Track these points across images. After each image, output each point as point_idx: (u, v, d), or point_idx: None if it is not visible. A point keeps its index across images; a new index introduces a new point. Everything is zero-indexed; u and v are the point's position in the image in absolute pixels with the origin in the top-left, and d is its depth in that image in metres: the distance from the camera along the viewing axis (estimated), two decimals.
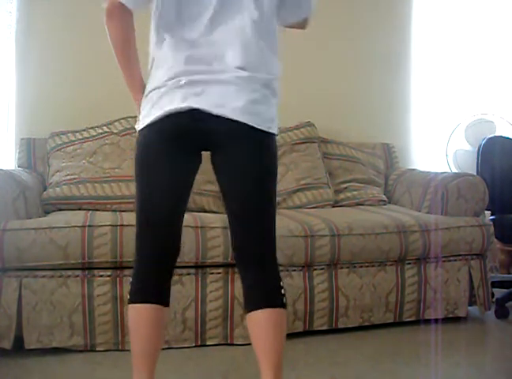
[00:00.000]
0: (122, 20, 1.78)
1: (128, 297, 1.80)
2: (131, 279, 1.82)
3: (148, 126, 1.71)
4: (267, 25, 1.73)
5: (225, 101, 1.67)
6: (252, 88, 1.69)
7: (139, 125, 1.77)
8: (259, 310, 1.74)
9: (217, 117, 1.66)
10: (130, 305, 1.80)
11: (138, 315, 1.79)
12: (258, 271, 1.78)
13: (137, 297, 1.79)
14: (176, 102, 1.67)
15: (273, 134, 1.75)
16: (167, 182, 1.75)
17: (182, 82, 1.67)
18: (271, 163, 1.77)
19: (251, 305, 1.76)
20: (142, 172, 1.77)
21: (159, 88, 1.70)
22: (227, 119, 1.66)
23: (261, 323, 1.75)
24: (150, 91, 1.73)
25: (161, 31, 1.72)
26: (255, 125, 1.68)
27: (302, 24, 1.95)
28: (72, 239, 2.47)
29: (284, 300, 1.77)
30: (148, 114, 1.72)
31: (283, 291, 1.77)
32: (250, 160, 1.73)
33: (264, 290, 1.77)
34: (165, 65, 1.71)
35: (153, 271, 1.80)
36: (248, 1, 1.69)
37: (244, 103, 1.67)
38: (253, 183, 1.74)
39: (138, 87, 1.83)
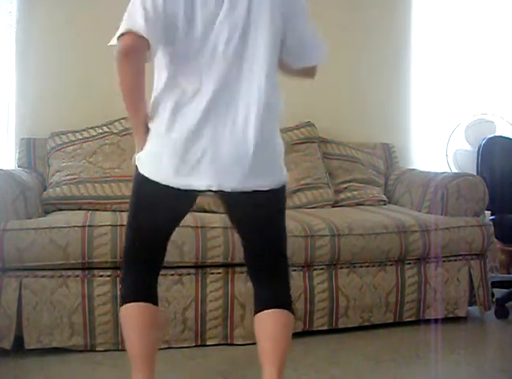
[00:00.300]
0: (139, 62, 1.63)
1: (120, 300, 1.85)
2: (121, 284, 1.89)
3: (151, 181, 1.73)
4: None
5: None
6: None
7: (140, 166, 1.77)
8: (269, 310, 1.78)
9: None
10: (122, 307, 1.84)
11: (130, 314, 1.83)
12: (271, 278, 1.84)
13: (128, 297, 1.83)
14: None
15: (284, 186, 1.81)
16: (161, 221, 1.82)
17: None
18: (280, 206, 1.86)
19: (261, 304, 1.81)
20: (137, 206, 1.85)
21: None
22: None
23: (268, 322, 1.79)
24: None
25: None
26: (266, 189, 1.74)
27: (309, 72, 1.96)
28: (72, 239, 2.47)
29: (292, 306, 1.84)
30: (157, 168, 1.72)
31: (291, 298, 1.85)
32: (259, 213, 1.79)
33: (275, 292, 1.83)
34: None
35: (140, 275, 1.86)
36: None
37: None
38: (266, 224, 1.82)
39: (141, 128, 1.74)
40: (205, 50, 1.65)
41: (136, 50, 1.60)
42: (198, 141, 1.65)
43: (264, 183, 1.73)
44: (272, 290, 1.83)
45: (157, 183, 1.71)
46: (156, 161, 1.71)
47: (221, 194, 1.74)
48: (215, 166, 1.67)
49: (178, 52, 1.66)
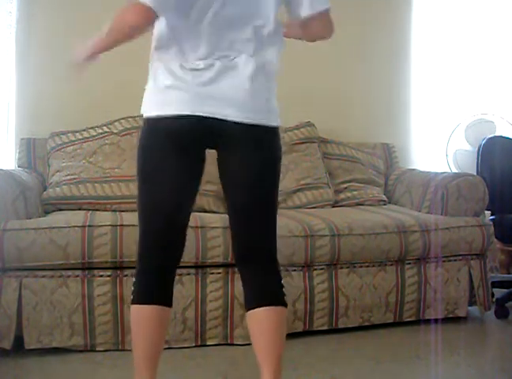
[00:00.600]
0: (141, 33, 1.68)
1: (131, 297, 1.78)
2: (134, 279, 1.80)
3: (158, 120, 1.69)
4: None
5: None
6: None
7: (147, 111, 1.73)
8: (261, 308, 1.74)
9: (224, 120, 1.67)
10: (134, 306, 1.77)
11: (142, 315, 1.77)
12: (259, 268, 1.78)
13: (142, 297, 1.77)
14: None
15: (274, 128, 1.74)
16: (171, 187, 1.72)
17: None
18: (271, 158, 1.76)
19: (252, 302, 1.76)
20: (145, 174, 1.74)
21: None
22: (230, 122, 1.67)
23: (262, 321, 1.75)
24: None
25: None
26: (252, 122, 1.68)
27: (325, 25, 1.90)
28: (72, 239, 2.47)
29: (285, 299, 1.77)
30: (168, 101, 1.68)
31: (283, 290, 1.78)
32: (249, 159, 1.72)
33: (265, 287, 1.77)
34: None
35: (157, 272, 1.79)
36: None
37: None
38: (255, 179, 1.74)
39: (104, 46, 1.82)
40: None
41: (145, 28, 1.66)
42: (208, 73, 1.66)
43: (264, 120, 1.70)
44: (261, 285, 1.77)
45: (166, 127, 1.67)
46: (166, 94, 1.68)
47: (220, 132, 1.69)
48: (222, 96, 1.66)
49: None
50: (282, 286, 1.78)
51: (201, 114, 1.65)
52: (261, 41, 1.71)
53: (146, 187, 1.75)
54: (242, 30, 1.69)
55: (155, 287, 1.78)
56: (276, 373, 1.73)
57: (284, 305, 1.76)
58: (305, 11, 1.76)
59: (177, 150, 1.70)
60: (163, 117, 1.67)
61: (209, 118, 1.66)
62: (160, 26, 1.71)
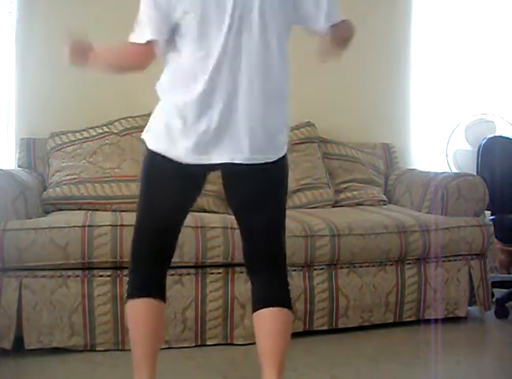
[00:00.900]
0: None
1: (126, 294, 1.82)
2: (129, 277, 1.84)
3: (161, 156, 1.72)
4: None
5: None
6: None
7: (148, 142, 1.76)
8: (267, 308, 1.75)
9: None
10: (130, 302, 1.80)
11: (139, 310, 1.80)
12: (269, 275, 1.81)
13: (137, 292, 1.80)
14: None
15: (284, 156, 1.77)
16: (171, 200, 1.78)
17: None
18: (282, 180, 1.81)
19: (259, 302, 1.78)
20: (148, 184, 1.80)
21: None
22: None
23: (267, 320, 1.76)
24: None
25: None
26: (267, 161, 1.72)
27: (345, 32, 2.00)
28: (72, 239, 2.47)
29: (291, 303, 1.80)
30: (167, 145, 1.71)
31: (290, 295, 1.81)
32: (258, 185, 1.76)
33: (273, 289, 1.80)
34: None
35: (151, 268, 1.83)
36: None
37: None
38: (266, 200, 1.79)
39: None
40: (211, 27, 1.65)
41: (146, 65, 1.75)
42: (208, 113, 1.67)
43: (271, 155, 1.72)
44: (270, 287, 1.80)
45: (170, 159, 1.70)
46: (169, 135, 1.70)
47: (227, 170, 1.73)
48: (229, 139, 1.68)
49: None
50: (289, 291, 1.82)
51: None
52: None
53: (147, 195, 1.81)
54: None
55: (151, 282, 1.82)
56: (278, 375, 1.73)
57: (290, 308, 1.79)
58: (321, 26, 1.91)
59: (178, 178, 1.75)
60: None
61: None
62: None
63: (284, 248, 1.84)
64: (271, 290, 1.80)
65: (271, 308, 1.75)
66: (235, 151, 1.68)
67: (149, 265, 1.83)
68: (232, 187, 1.80)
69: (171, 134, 1.69)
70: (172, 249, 1.89)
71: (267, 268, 1.81)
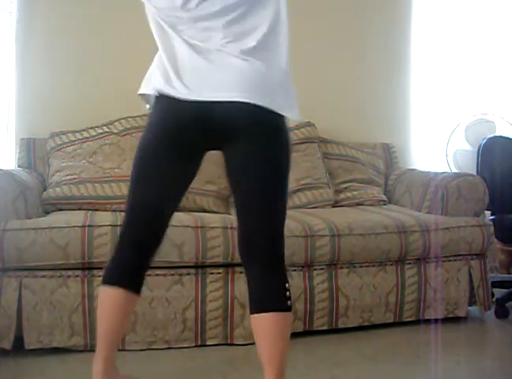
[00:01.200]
0: None
1: (103, 278, 1.86)
2: (108, 262, 1.86)
3: None
4: None
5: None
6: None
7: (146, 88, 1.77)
8: (265, 313, 1.71)
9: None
10: (101, 287, 1.85)
11: (105, 298, 1.85)
12: (263, 269, 1.74)
13: (112, 279, 1.83)
14: None
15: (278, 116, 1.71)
16: (163, 183, 1.76)
17: None
18: (279, 154, 1.73)
19: (257, 306, 1.73)
20: (139, 168, 1.82)
21: None
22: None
23: (265, 327, 1.72)
24: None
25: None
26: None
27: None
28: (72, 239, 2.47)
29: (290, 303, 1.73)
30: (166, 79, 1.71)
31: (288, 294, 1.73)
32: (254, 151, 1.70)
33: (269, 291, 1.73)
34: None
35: (133, 257, 1.84)
36: None
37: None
38: (261, 174, 1.72)
39: None
40: None
41: None
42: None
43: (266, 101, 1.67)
44: (267, 288, 1.73)
45: (167, 109, 1.70)
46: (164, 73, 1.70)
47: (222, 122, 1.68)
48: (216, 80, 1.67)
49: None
50: (286, 289, 1.73)
51: None
52: None
53: (139, 179, 1.85)
54: None
55: (128, 271, 1.84)
56: (278, 377, 1.72)
57: (288, 309, 1.72)
58: None
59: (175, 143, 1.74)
60: None
61: None
62: None
63: (277, 240, 1.78)
64: (264, 292, 1.74)
65: (269, 313, 1.70)
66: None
67: (133, 254, 1.83)
68: (228, 144, 1.76)
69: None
70: (159, 240, 1.86)
71: (260, 262, 1.74)
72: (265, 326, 1.72)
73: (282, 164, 1.74)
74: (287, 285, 1.74)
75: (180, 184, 1.82)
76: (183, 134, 1.72)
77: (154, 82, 1.72)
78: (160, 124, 1.73)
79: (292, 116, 1.75)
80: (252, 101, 1.64)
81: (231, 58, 1.68)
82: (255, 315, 1.73)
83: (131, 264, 1.84)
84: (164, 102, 1.70)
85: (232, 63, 1.67)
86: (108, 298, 1.84)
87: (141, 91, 1.77)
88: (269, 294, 1.73)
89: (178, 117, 1.70)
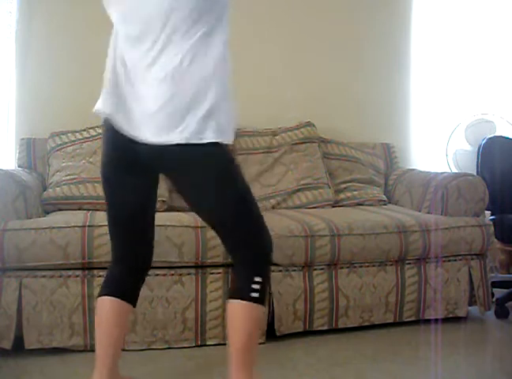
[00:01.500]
0: None
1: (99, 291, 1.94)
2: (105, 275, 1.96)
3: None
4: None
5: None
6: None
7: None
8: (229, 300, 1.78)
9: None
10: (98, 298, 1.91)
11: (100, 308, 1.89)
12: (235, 267, 1.83)
13: (104, 290, 1.91)
14: None
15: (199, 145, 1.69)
16: (122, 200, 1.90)
17: None
18: (208, 175, 1.74)
19: (228, 296, 1.83)
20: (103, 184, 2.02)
21: None
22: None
23: (229, 314, 1.79)
24: None
25: None
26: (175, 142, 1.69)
27: None
28: (72, 239, 2.47)
29: (256, 294, 1.74)
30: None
31: (257, 286, 1.74)
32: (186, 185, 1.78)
33: (236, 283, 1.82)
34: None
35: (121, 269, 1.92)
36: None
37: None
38: (203, 200, 1.78)
39: None
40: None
41: None
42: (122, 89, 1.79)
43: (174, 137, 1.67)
44: (235, 280, 1.84)
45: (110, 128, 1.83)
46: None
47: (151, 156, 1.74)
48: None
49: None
50: (255, 282, 1.75)
51: None
52: None
53: (105, 195, 2.04)
54: None
55: (118, 283, 1.91)
56: (237, 366, 1.73)
57: (253, 300, 1.74)
58: None
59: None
60: None
61: None
62: None
63: (246, 241, 1.81)
64: (234, 283, 1.84)
65: (230, 301, 1.78)
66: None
67: (120, 267, 1.92)
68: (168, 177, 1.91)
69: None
70: (143, 254, 1.95)
71: (234, 262, 1.83)
72: (228, 313, 1.79)
73: (212, 182, 1.75)
74: (257, 279, 1.75)
75: (139, 196, 1.89)
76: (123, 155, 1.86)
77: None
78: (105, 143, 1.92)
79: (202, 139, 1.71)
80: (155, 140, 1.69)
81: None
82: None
83: (123, 277, 1.92)
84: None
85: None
86: (104, 308, 1.89)
87: None
88: (236, 285, 1.81)
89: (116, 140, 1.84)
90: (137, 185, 1.85)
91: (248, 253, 1.79)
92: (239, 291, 1.76)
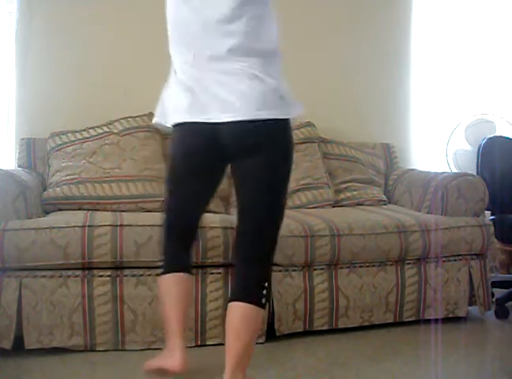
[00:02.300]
0: None
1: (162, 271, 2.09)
2: (161, 255, 2.12)
3: None
4: None
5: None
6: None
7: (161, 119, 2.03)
8: (233, 302, 1.82)
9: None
10: (159, 278, 2.10)
11: (165, 284, 2.04)
12: (245, 266, 1.87)
13: (166, 269, 2.05)
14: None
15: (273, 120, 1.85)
16: (191, 194, 2.00)
17: None
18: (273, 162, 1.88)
19: (230, 296, 1.89)
20: (171, 177, 2.03)
21: None
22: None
23: (233, 315, 1.82)
24: None
25: None
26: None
27: None
28: (72, 239, 2.47)
29: (263, 300, 1.82)
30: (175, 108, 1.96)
31: (264, 292, 1.83)
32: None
33: (243, 284, 1.85)
34: None
35: (175, 246, 2.07)
36: None
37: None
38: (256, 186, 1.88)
39: None
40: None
41: None
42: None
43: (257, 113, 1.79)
44: (240, 279, 1.87)
45: (182, 128, 1.88)
46: (173, 101, 1.88)
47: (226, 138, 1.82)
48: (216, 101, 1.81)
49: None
50: (263, 287, 1.84)
51: None
52: None
53: (170, 187, 2.07)
54: None
55: (174, 259, 2.08)
56: (233, 367, 1.74)
57: (259, 305, 1.81)
58: None
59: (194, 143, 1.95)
60: None
61: None
62: None
63: (269, 244, 1.93)
64: (241, 284, 1.88)
65: (236, 302, 1.82)
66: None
67: (173, 246, 2.09)
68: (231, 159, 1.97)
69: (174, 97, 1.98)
70: (195, 231, 2.12)
71: (243, 262, 1.89)
72: (233, 314, 1.82)
73: (283, 173, 1.88)
74: (265, 284, 1.86)
75: (205, 192, 2.05)
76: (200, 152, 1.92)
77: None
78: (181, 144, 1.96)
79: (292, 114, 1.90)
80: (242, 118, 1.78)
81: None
82: (229, 304, 1.84)
83: (177, 252, 2.09)
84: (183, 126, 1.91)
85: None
86: (169, 283, 2.05)
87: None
88: (243, 287, 1.86)
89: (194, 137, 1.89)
90: (208, 180, 1.99)
91: (266, 265, 1.90)
92: (248, 295, 1.82)
